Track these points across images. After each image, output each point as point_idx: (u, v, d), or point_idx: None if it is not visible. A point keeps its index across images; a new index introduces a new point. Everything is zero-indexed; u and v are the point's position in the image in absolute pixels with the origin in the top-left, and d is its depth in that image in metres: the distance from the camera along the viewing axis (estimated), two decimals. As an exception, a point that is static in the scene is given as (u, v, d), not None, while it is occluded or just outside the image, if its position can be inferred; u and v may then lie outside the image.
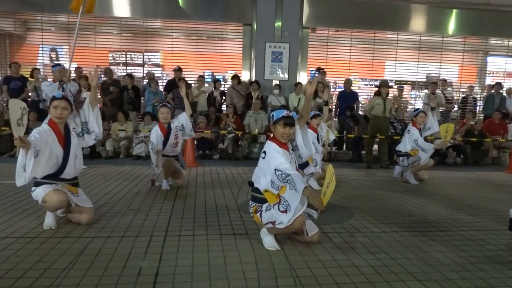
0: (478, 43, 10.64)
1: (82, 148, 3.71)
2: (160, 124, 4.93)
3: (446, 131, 5.83)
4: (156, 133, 4.84)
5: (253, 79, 8.98)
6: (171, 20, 9.58)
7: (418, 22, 9.86)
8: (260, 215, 2.96)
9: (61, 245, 2.92)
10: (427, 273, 2.65)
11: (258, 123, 8.06)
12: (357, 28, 9.84)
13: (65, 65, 6.67)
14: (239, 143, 8.27)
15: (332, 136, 6.23)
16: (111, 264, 2.61)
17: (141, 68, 10.02)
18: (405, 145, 5.87)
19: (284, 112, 2.98)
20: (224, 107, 8.84)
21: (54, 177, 3.29)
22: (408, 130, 5.95)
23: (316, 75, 8.84)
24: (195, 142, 7.79)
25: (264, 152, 2.96)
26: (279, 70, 9.10)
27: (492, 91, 9.37)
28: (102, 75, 8.67)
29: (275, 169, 2.78)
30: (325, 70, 8.99)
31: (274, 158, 2.84)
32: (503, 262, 2.88)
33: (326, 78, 9.02)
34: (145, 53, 9.99)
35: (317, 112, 5.51)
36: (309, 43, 9.68)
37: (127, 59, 9.97)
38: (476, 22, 9.87)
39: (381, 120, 7.30)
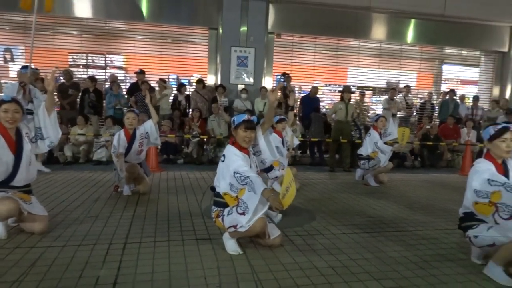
0: (434, 52, 11.18)
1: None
2: (125, 129, 4.83)
3: (402, 135, 6.11)
4: (119, 137, 4.74)
5: (219, 83, 8.97)
6: (135, 22, 9.39)
7: (378, 31, 10.24)
8: (222, 220, 2.96)
9: (12, 256, 2.77)
10: (384, 272, 2.75)
11: (221, 126, 8.02)
12: (321, 35, 10.06)
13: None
14: (205, 147, 8.21)
15: (296, 141, 6.33)
16: (66, 275, 2.51)
17: (103, 70, 9.73)
18: (366, 148, 6.07)
19: (245, 116, 3.03)
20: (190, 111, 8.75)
21: (3, 184, 3.11)
22: (369, 133, 6.17)
23: (282, 80, 8.96)
24: (159, 147, 7.65)
25: (224, 155, 3.00)
26: (245, 75, 9.14)
27: (447, 97, 9.88)
28: (61, 77, 8.35)
29: (234, 172, 2.82)
30: (290, 75, 9.12)
31: (233, 161, 2.88)
32: (454, 259, 3.03)
33: (291, 83, 9.15)
34: (107, 55, 9.72)
35: (282, 117, 5.58)
36: (275, 48, 9.81)
37: (88, 61, 9.65)
38: (432, 31, 10.39)
39: (344, 124, 7.50)
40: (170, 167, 7.22)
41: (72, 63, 9.55)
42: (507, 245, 2.54)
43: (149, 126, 4.92)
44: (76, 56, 9.61)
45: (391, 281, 2.61)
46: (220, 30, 9.16)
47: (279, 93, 8.28)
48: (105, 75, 9.59)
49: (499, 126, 2.76)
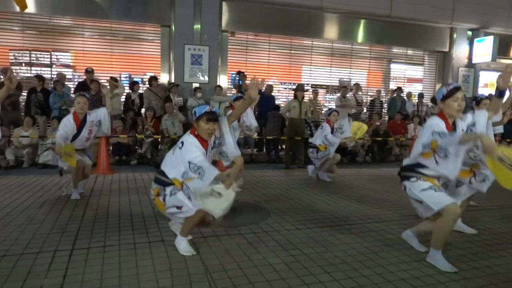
0: (383, 51, 11.67)
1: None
2: (75, 114, 4.55)
3: (358, 129, 6.30)
4: (68, 123, 4.46)
5: (173, 82, 8.81)
6: (82, 18, 8.97)
7: (330, 30, 10.52)
8: (164, 199, 2.90)
9: None
10: (335, 265, 2.84)
11: (175, 126, 7.87)
12: (274, 34, 10.16)
13: None
14: (159, 147, 8.02)
15: (255, 123, 6.24)
16: (5, 286, 2.36)
17: (49, 68, 9.19)
18: (316, 138, 6.24)
19: (207, 108, 2.94)
20: (143, 110, 8.51)
21: None
22: (322, 126, 6.32)
23: (237, 78, 8.96)
24: (111, 148, 7.38)
25: (182, 142, 2.89)
26: (199, 73, 9.04)
27: (394, 95, 10.38)
28: (1, 76, 7.80)
29: (188, 162, 2.74)
30: (245, 73, 9.14)
31: (190, 151, 2.79)
32: (400, 249, 3.19)
33: (247, 82, 9.17)
34: (52, 53, 9.20)
35: (239, 95, 5.52)
36: (229, 46, 9.77)
37: (32, 58, 9.08)
38: (380, 32, 10.84)
39: (298, 122, 7.64)
40: (122, 168, 6.97)
41: (13, 61, 8.95)
42: (435, 227, 2.83)
43: (103, 114, 4.70)
44: (18, 53, 9.02)
45: (342, 273, 2.70)
46: (173, 28, 8.99)
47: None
48: (51, 74, 9.08)
49: (451, 86, 2.86)
